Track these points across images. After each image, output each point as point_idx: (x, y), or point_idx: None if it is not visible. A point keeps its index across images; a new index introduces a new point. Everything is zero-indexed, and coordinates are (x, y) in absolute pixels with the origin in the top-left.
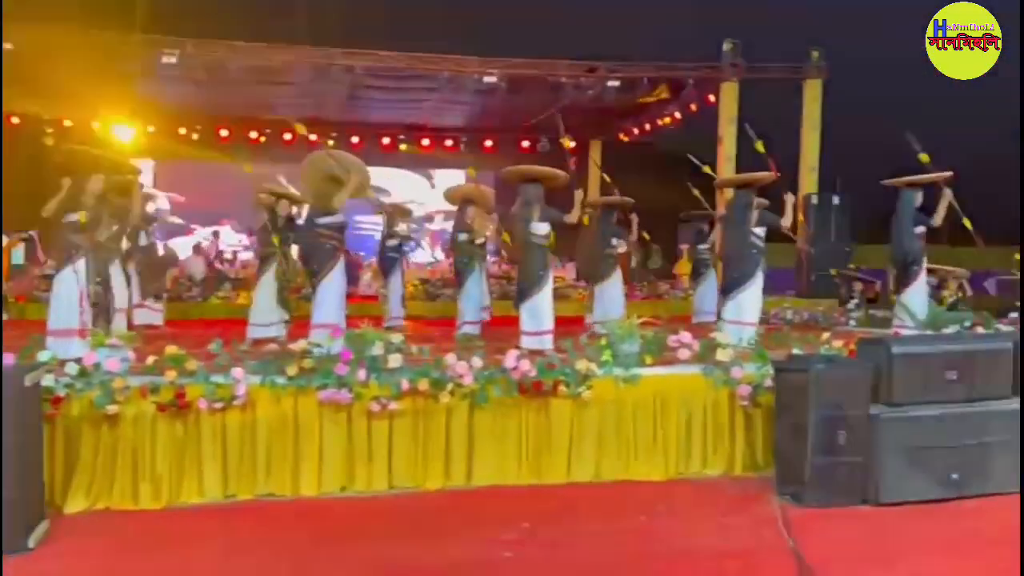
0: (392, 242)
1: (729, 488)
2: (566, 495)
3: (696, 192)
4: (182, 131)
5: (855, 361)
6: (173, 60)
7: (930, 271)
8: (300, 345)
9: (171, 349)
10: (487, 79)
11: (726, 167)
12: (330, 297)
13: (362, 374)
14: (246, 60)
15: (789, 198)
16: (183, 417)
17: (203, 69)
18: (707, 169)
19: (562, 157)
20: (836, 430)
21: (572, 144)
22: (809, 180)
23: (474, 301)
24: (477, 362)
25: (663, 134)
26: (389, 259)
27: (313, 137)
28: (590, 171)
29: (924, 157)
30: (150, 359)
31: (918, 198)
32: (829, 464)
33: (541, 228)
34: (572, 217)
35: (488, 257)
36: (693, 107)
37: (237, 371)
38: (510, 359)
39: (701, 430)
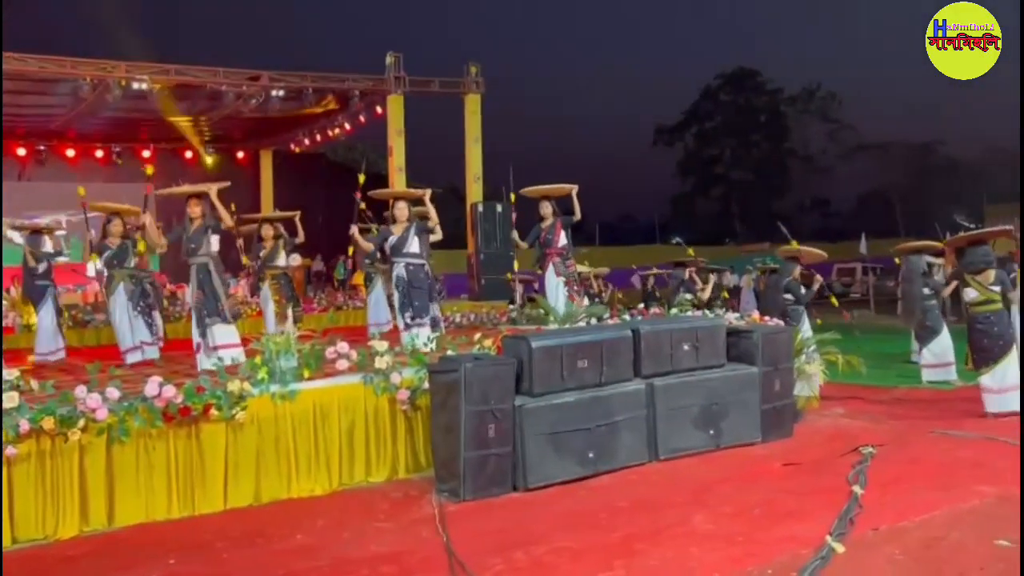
0: (41, 267)
1: (392, 493)
2: (222, 524)
3: (363, 205)
4: None
5: (500, 358)
6: None
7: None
8: None
9: None
10: (136, 85)
11: (397, 178)
12: None
13: None
14: None
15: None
16: None
17: None
18: (363, 207)
19: (233, 167)
20: (486, 424)
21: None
22: (475, 190)
23: (123, 326)
24: (113, 393)
25: (335, 145)
26: (38, 288)
27: None
28: (262, 182)
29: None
30: None
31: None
32: (481, 457)
33: (216, 243)
34: (226, 222)
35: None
36: (362, 119)
37: None
38: (151, 386)
39: (364, 439)
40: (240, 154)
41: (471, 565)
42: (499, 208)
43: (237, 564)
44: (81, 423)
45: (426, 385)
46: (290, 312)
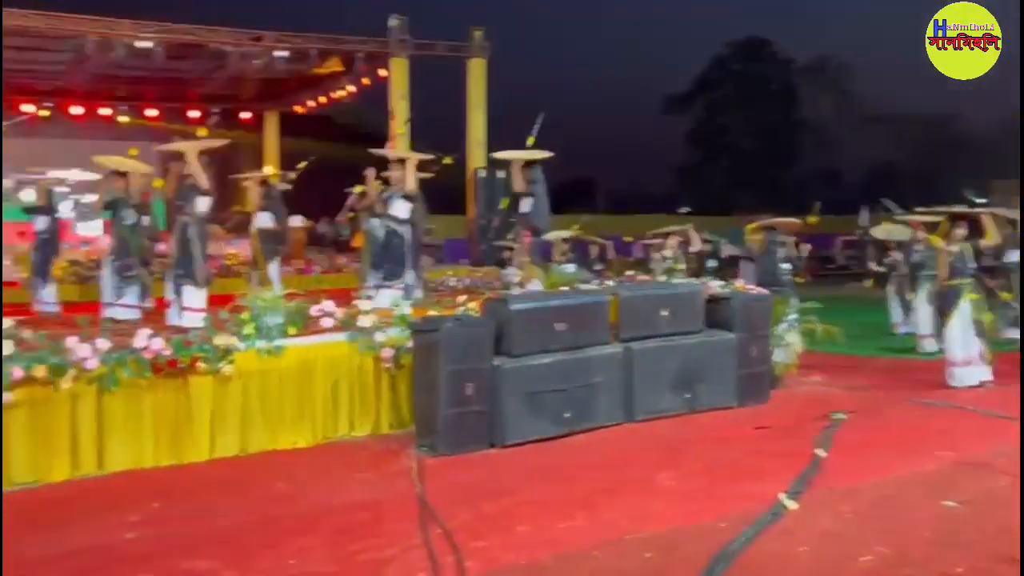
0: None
1: (374, 446)
2: (207, 472)
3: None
4: None
5: (481, 319)
6: None
7: (566, 240)
8: None
9: None
10: (140, 44)
11: (400, 142)
12: None
13: None
14: None
15: None
16: None
17: None
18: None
19: (237, 128)
20: (464, 382)
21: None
22: (477, 155)
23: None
24: (104, 344)
25: (339, 107)
26: (39, 240)
27: None
28: (266, 143)
29: (531, 140)
30: None
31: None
32: (459, 414)
33: (201, 204)
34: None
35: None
36: (366, 81)
37: None
38: (141, 338)
39: (348, 395)
40: (245, 115)
41: (441, 514)
42: (500, 175)
43: (217, 508)
44: (72, 372)
45: (410, 344)
46: (255, 274)
